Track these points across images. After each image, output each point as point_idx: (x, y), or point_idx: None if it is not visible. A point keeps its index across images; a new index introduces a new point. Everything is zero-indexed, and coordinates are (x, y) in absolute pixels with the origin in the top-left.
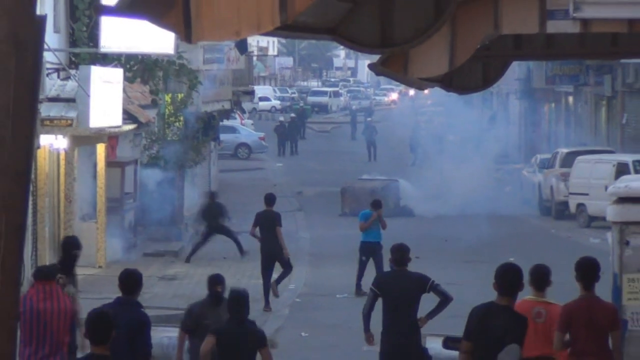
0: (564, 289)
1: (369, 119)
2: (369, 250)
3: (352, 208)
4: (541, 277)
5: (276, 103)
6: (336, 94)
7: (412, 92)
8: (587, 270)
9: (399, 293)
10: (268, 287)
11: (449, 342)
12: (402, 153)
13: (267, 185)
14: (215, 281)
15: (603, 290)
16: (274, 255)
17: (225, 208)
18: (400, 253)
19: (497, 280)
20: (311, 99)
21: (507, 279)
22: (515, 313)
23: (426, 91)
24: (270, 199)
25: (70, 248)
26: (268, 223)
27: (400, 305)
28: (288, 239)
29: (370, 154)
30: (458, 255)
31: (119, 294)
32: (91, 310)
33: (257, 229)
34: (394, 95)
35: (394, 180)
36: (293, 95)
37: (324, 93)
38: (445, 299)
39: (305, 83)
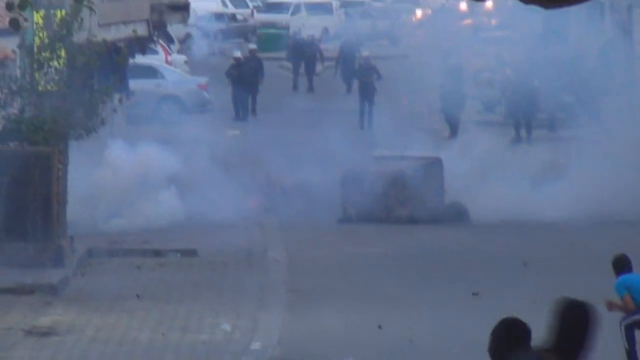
0: None
1: (365, 53)
2: None
3: (361, 208)
4: None
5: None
6: (320, 8)
7: (463, 4)
8: None
9: None
10: None
11: None
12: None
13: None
14: None
15: None
16: None
17: None
18: None
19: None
20: (260, 16)
21: (572, 328)
22: None
23: (488, 3)
24: None
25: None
26: None
27: None
28: (251, 263)
29: (363, 118)
30: (541, 292)
31: None
32: None
33: None
34: (419, 13)
35: (434, 159)
36: (255, 7)
37: (284, 6)
38: None
39: None
